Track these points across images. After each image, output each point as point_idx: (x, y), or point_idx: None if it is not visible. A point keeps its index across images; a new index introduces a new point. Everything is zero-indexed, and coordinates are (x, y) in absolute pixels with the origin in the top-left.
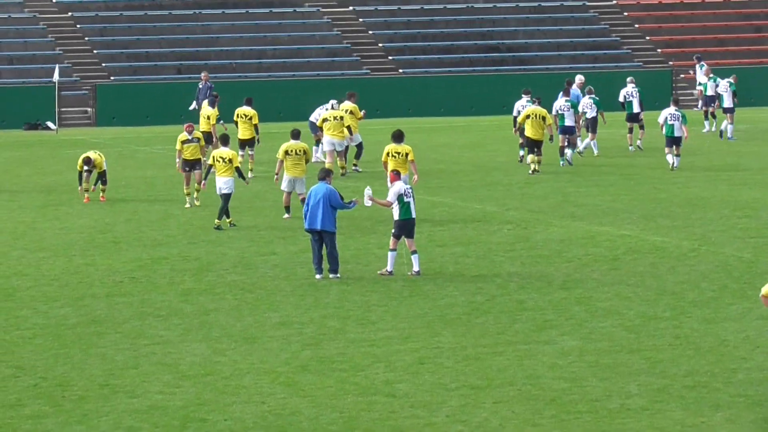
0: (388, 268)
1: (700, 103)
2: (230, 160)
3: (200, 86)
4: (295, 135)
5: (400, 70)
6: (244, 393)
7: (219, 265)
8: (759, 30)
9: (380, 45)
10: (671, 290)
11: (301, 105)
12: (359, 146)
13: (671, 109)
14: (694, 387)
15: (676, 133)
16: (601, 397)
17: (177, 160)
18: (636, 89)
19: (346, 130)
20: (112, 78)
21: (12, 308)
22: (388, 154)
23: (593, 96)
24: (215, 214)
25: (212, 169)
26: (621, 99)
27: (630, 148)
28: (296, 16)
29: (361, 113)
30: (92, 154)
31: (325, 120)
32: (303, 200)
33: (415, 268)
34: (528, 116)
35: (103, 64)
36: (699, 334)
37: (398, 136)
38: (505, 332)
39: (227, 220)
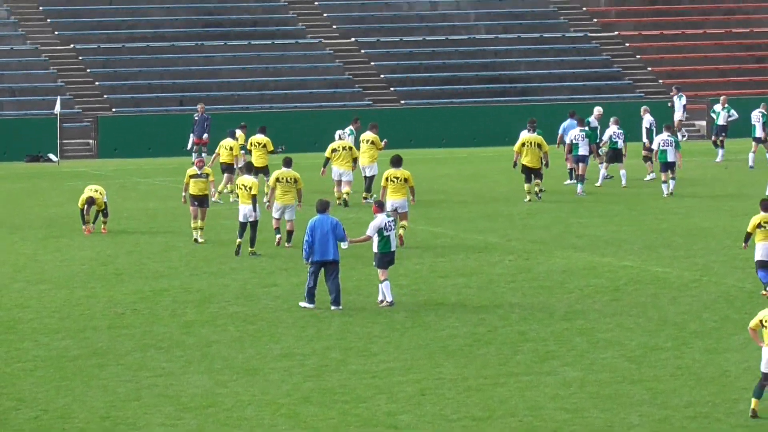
0: (388, 298)
1: (678, 135)
2: (250, 188)
3: (196, 117)
4: (287, 163)
5: (402, 102)
6: (246, 425)
7: (221, 296)
8: (760, 61)
9: (382, 76)
10: (673, 321)
11: (303, 136)
12: (371, 179)
13: (664, 136)
14: (695, 417)
15: (669, 159)
16: (602, 428)
17: (183, 193)
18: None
19: (359, 159)
20: (113, 110)
21: (13, 340)
22: (387, 178)
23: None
24: (216, 247)
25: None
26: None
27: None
28: (298, 48)
29: (383, 143)
30: (94, 194)
31: (333, 150)
32: (291, 228)
33: (388, 298)
34: (524, 144)
35: (105, 96)
36: (700, 365)
37: (397, 161)
38: (506, 363)
39: (250, 249)
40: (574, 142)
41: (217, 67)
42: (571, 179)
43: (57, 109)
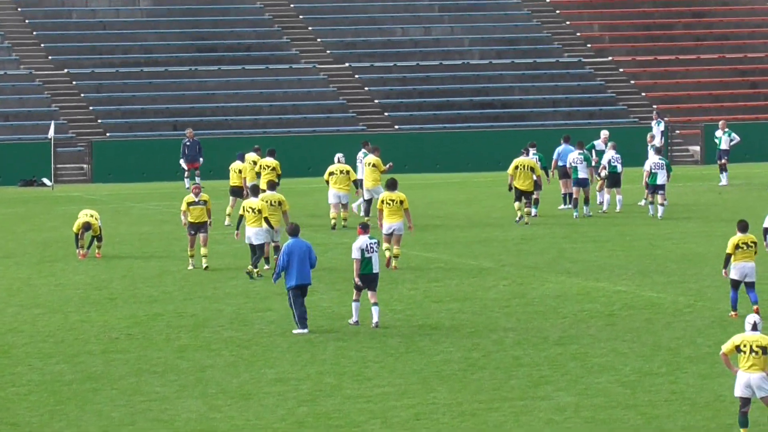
0: (353, 318)
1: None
2: (259, 211)
3: (186, 143)
4: (271, 186)
5: (396, 126)
6: None
7: (215, 321)
8: (754, 86)
9: (376, 101)
10: (667, 346)
11: (297, 161)
12: (370, 201)
13: (655, 159)
14: None
15: (659, 181)
16: None
17: (183, 219)
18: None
19: (352, 184)
20: (107, 134)
21: (7, 365)
22: (383, 201)
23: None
24: (210, 273)
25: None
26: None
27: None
28: (292, 73)
29: (385, 166)
30: (90, 219)
31: (331, 173)
32: (277, 247)
33: (375, 319)
34: (516, 167)
35: (99, 121)
36: (695, 390)
37: (392, 185)
38: (500, 388)
39: (255, 270)
40: (573, 165)
41: (210, 92)
42: (565, 204)
43: (51, 133)
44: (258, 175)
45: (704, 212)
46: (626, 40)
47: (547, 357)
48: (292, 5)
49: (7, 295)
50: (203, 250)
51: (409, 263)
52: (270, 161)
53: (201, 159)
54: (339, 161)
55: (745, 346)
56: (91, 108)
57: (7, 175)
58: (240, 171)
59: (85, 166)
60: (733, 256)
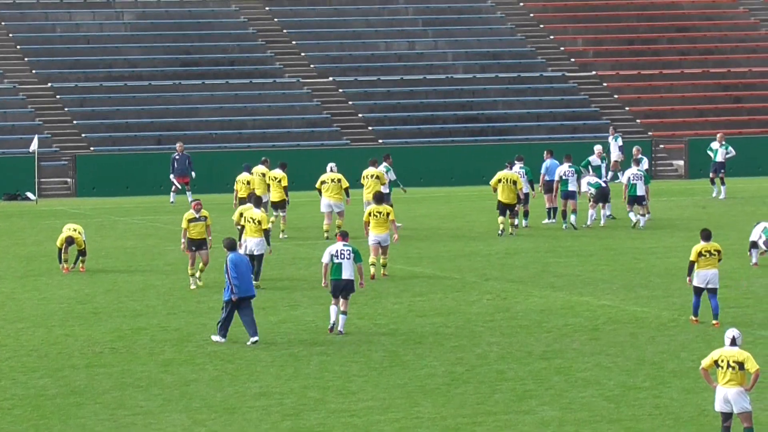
0: (331, 320)
1: (611, 174)
2: (260, 222)
3: (176, 156)
4: (250, 200)
5: (380, 141)
6: None
7: (199, 335)
8: (738, 101)
9: (360, 115)
10: (651, 360)
11: None
12: None
13: (633, 170)
14: None
15: (639, 192)
16: None
17: (182, 240)
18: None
19: (343, 193)
20: (91, 148)
21: None
22: (370, 213)
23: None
24: (187, 290)
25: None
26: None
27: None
28: (276, 87)
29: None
30: (73, 233)
31: (323, 182)
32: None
33: (340, 327)
34: (500, 180)
35: (83, 135)
36: (679, 404)
37: (379, 198)
38: (484, 402)
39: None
40: (563, 178)
41: (194, 106)
42: (549, 219)
43: (35, 147)
44: (268, 186)
45: (688, 226)
46: (610, 55)
47: (532, 371)
48: (276, 19)
49: None
50: (201, 266)
51: (393, 277)
52: (278, 173)
53: (193, 173)
54: (332, 170)
55: (722, 361)
56: (75, 122)
57: None
58: (248, 183)
59: (69, 180)
60: (696, 264)
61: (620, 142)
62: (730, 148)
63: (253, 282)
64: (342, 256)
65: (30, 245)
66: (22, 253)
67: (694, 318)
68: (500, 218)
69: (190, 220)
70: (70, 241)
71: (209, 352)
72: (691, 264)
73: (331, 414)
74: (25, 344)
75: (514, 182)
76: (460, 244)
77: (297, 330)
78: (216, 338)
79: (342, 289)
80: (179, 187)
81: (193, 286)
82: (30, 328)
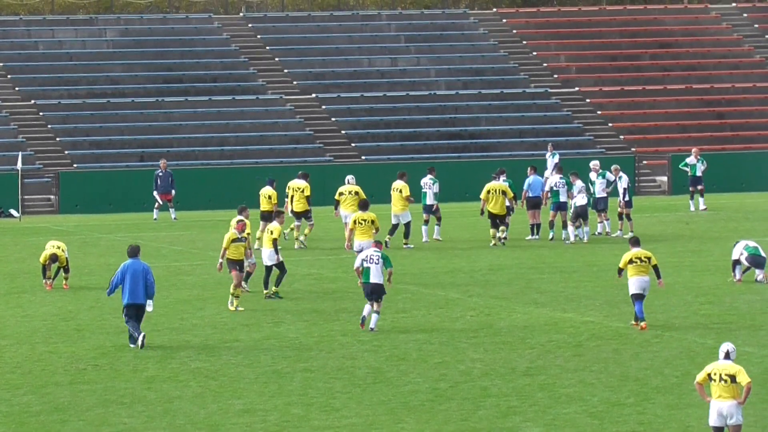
0: (364, 312)
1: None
2: (272, 232)
3: (159, 173)
4: (241, 210)
5: (363, 157)
6: None
7: (182, 352)
8: (721, 116)
9: (343, 132)
10: (635, 376)
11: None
12: (407, 225)
13: (556, 178)
14: None
15: (561, 199)
16: None
17: (220, 260)
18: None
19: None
20: (75, 165)
21: None
22: (355, 221)
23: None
24: (177, 304)
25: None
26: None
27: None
28: (259, 104)
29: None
30: (57, 251)
31: (341, 194)
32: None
33: (372, 324)
34: (489, 191)
35: (66, 152)
36: (663, 420)
37: (364, 205)
38: (468, 419)
39: (274, 289)
40: (554, 189)
41: (177, 123)
42: (532, 235)
43: (18, 164)
44: (290, 198)
45: (671, 243)
46: (593, 71)
47: (515, 387)
48: (258, 36)
49: None
50: (234, 289)
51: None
52: (300, 183)
53: (173, 191)
54: (348, 182)
55: (715, 374)
56: (58, 139)
57: None
58: (270, 197)
59: (52, 197)
60: (628, 271)
61: (557, 159)
62: (704, 161)
63: (275, 289)
64: (371, 261)
65: (13, 262)
66: (5, 270)
67: (642, 324)
68: (492, 230)
69: (232, 240)
70: (54, 258)
71: (193, 369)
72: (620, 270)
73: (314, 431)
74: (9, 361)
75: (503, 192)
76: (443, 260)
77: (280, 347)
78: (135, 345)
79: (371, 291)
80: (162, 203)
81: (241, 309)
82: (13, 345)
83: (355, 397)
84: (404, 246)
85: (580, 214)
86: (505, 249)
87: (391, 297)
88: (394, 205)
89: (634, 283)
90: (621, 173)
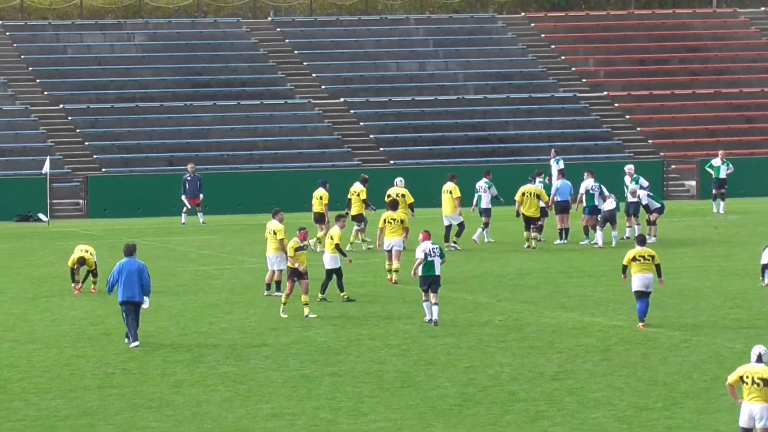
0: (426, 316)
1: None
2: (332, 237)
3: (188, 177)
4: (275, 214)
5: (391, 162)
6: None
7: (210, 356)
8: (750, 121)
9: (371, 136)
10: (663, 381)
11: (292, 196)
12: (461, 225)
13: (590, 182)
14: None
15: (596, 203)
16: None
17: (289, 262)
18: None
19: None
20: (103, 170)
21: (3, 400)
22: (384, 220)
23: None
24: (205, 308)
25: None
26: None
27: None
28: (287, 108)
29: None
30: (85, 254)
31: (389, 196)
32: (278, 279)
33: (434, 316)
34: (523, 194)
35: (95, 156)
36: (691, 425)
37: (394, 205)
38: (496, 423)
39: (344, 295)
40: (590, 192)
41: (206, 127)
42: (561, 239)
43: (46, 169)
44: (349, 201)
45: (700, 247)
46: (621, 75)
47: (544, 392)
48: (287, 40)
49: (3, 330)
50: (304, 298)
51: (405, 298)
52: (357, 187)
53: (201, 195)
54: (397, 185)
55: (747, 377)
56: (86, 143)
57: (3, 210)
58: (321, 198)
59: (80, 201)
60: (632, 268)
61: (561, 165)
62: (730, 164)
63: (344, 295)
64: (434, 254)
65: (42, 266)
66: (34, 274)
67: (640, 324)
68: (525, 233)
69: (296, 249)
70: (81, 261)
71: (221, 373)
72: (624, 267)
73: None
74: (37, 365)
75: (537, 196)
76: (471, 264)
77: (309, 351)
78: (131, 344)
79: (432, 283)
80: (190, 207)
81: (284, 315)
82: (42, 349)
83: (384, 401)
84: (452, 244)
85: (609, 219)
86: (534, 253)
87: (420, 301)
88: (444, 207)
89: (637, 280)
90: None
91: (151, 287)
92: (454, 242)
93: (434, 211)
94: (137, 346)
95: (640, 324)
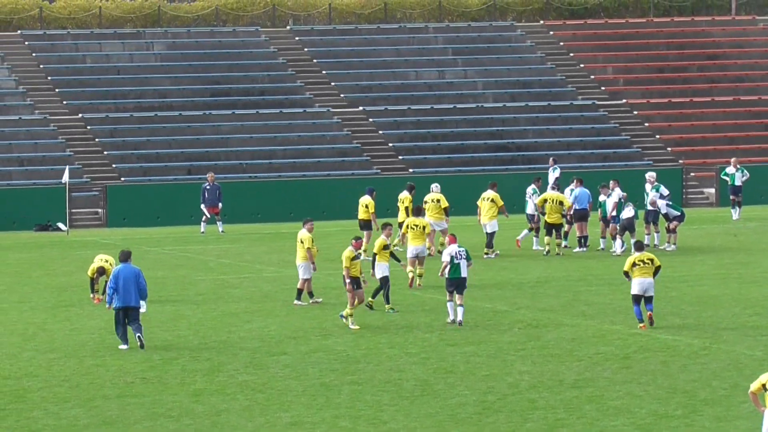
0: (450, 317)
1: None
2: (385, 247)
3: (207, 186)
4: (304, 223)
5: (410, 170)
6: None
7: (230, 365)
8: None
9: (390, 144)
10: (683, 389)
11: (311, 204)
12: (491, 235)
13: (618, 191)
14: None
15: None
16: None
17: (347, 280)
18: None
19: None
20: (122, 179)
21: (23, 409)
22: (407, 226)
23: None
24: (224, 317)
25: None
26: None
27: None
28: (306, 117)
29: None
30: (104, 264)
31: (425, 202)
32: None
33: (459, 317)
34: (545, 200)
35: (114, 165)
36: None
37: (417, 211)
38: (516, 431)
39: (388, 306)
40: (622, 201)
41: (225, 136)
42: (580, 247)
43: (66, 178)
44: (403, 209)
45: (719, 254)
46: (640, 83)
47: (563, 400)
48: (305, 49)
49: (23, 339)
50: (356, 304)
51: (424, 306)
52: (403, 195)
53: (220, 204)
54: (433, 190)
55: None
56: (105, 152)
57: (23, 219)
58: (367, 206)
59: (100, 210)
60: (633, 273)
61: (558, 173)
62: (745, 171)
63: (388, 305)
64: (460, 257)
65: (61, 276)
66: (53, 283)
67: (641, 325)
68: (546, 238)
69: (352, 259)
70: (101, 271)
71: (240, 382)
72: (626, 273)
73: None
74: (57, 375)
75: (561, 202)
76: (491, 272)
77: (328, 359)
78: (121, 347)
79: (458, 285)
80: (209, 216)
81: (355, 327)
82: (61, 359)
83: (403, 409)
84: (484, 256)
85: (627, 227)
86: (553, 261)
87: (439, 310)
88: (483, 215)
89: (637, 284)
90: (617, 187)
91: (146, 287)
92: (486, 253)
93: (452, 219)
94: (125, 348)
95: (641, 325)
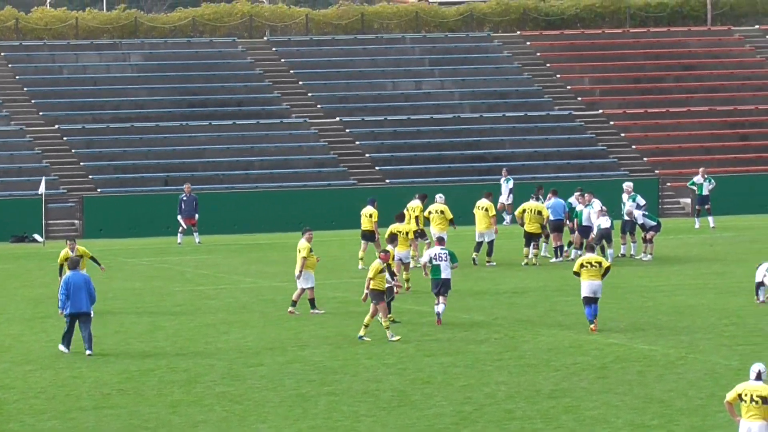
0: (436, 310)
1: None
2: (381, 270)
3: (184, 197)
4: (304, 232)
5: (387, 180)
6: None
7: (207, 376)
8: (744, 138)
9: (367, 155)
10: (659, 398)
11: (288, 215)
12: (491, 243)
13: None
14: None
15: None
16: None
17: (365, 290)
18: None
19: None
20: (98, 190)
21: None
22: (392, 233)
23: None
24: (203, 328)
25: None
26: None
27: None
28: (283, 127)
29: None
30: (79, 248)
31: (429, 213)
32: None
33: (439, 310)
34: (524, 210)
35: (90, 176)
36: None
37: (401, 217)
38: None
39: (390, 317)
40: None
41: (201, 147)
42: (556, 257)
43: (42, 189)
44: (417, 220)
45: (695, 264)
46: (617, 93)
47: (540, 410)
48: (282, 60)
49: None
50: (367, 319)
51: (401, 317)
52: (414, 204)
53: (197, 215)
54: (437, 201)
55: (746, 395)
56: (81, 163)
57: None
58: (370, 215)
59: (76, 221)
60: (581, 275)
61: (511, 184)
62: (712, 180)
63: (390, 317)
64: (440, 259)
65: (37, 287)
66: (29, 295)
67: (591, 326)
68: (525, 249)
69: (379, 272)
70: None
71: (217, 393)
72: (575, 273)
73: None
74: (33, 386)
75: (539, 212)
76: (468, 283)
77: (305, 370)
78: (61, 347)
79: (441, 286)
80: (186, 227)
81: (368, 339)
82: (38, 371)
83: (380, 420)
84: (487, 264)
85: (604, 236)
86: (530, 271)
87: (416, 320)
88: (479, 224)
89: (586, 286)
90: (594, 199)
91: (95, 292)
92: (488, 261)
93: (429, 229)
94: (90, 355)
95: (592, 326)
